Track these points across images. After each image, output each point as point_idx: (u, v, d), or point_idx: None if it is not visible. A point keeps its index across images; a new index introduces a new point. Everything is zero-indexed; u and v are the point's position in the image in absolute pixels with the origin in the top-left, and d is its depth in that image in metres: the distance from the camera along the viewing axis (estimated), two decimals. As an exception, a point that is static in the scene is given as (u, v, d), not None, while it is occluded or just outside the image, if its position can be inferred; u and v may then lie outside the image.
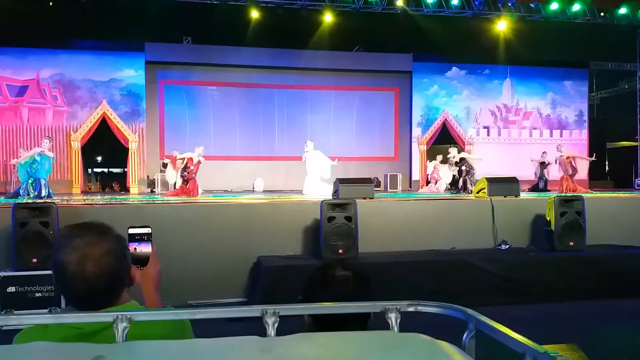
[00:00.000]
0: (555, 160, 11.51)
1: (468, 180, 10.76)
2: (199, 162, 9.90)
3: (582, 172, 11.62)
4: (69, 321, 1.19)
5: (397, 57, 14.38)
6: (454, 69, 14.79)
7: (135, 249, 1.49)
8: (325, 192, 9.74)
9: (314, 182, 10.45)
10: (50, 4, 11.36)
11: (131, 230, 1.51)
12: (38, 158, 8.85)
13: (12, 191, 9.27)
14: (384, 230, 6.42)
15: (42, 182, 8.87)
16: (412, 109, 14.62)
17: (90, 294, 1.24)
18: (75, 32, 12.07)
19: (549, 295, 5.73)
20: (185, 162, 10.01)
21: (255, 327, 0.91)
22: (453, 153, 11.32)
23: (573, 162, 11.31)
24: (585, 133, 15.57)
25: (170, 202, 7.50)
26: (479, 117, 14.99)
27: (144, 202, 7.71)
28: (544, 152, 12.14)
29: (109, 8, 11.76)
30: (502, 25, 13.49)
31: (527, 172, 12.35)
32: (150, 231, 1.52)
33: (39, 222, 5.11)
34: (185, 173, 9.92)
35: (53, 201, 5.60)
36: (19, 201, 6.58)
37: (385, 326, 0.91)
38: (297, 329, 0.86)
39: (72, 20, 11.57)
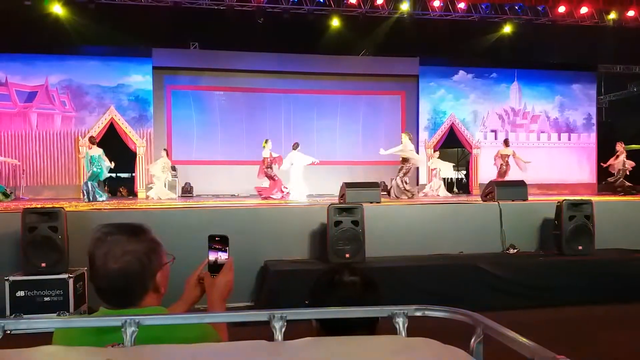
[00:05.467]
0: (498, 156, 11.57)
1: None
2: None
3: (524, 174, 11.15)
4: (77, 325, 1.20)
5: (404, 61, 14.37)
6: (461, 72, 14.76)
7: (211, 257, 1.51)
8: (307, 190, 9.85)
9: (298, 184, 10.34)
10: (58, 9, 11.45)
11: (210, 238, 1.52)
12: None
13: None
14: (391, 234, 6.40)
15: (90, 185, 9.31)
16: (418, 113, 14.60)
17: (110, 290, 1.31)
18: (83, 38, 12.19)
19: (557, 300, 5.68)
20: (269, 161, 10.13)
21: (262, 331, 0.91)
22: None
23: (508, 160, 11.28)
24: (593, 136, 15.47)
25: (178, 206, 7.53)
26: (486, 121, 14.94)
27: (151, 206, 7.74)
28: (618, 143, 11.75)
29: (116, 14, 11.87)
30: (508, 29, 13.47)
31: (535, 176, 12.27)
32: (226, 241, 1.52)
33: (48, 227, 5.13)
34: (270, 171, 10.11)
35: (61, 206, 5.63)
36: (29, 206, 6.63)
37: (393, 331, 0.91)
38: (304, 334, 0.86)
39: (80, 26, 11.69)
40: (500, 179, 10.74)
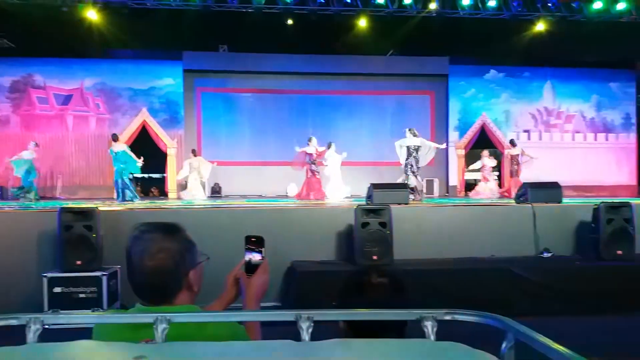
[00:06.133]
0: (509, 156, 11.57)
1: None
2: None
3: (530, 172, 11.05)
4: (111, 321, 1.23)
5: (433, 61, 14.21)
6: (492, 71, 14.50)
7: (246, 257, 1.53)
8: (346, 191, 9.88)
9: (338, 184, 10.47)
10: (92, 15, 11.78)
11: (246, 239, 1.54)
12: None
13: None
14: (420, 236, 6.33)
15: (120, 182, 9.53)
16: (448, 112, 14.41)
17: (144, 287, 1.35)
18: (117, 42, 12.51)
19: (594, 307, 5.47)
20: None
21: (289, 331, 0.91)
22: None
23: (519, 159, 11.24)
24: (633, 137, 14.94)
25: (206, 207, 7.64)
26: (518, 121, 14.63)
27: (181, 206, 7.88)
28: None
29: (148, 18, 12.11)
30: (541, 26, 13.13)
31: (569, 177, 11.95)
32: (261, 242, 1.54)
33: (83, 226, 5.28)
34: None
35: (96, 205, 5.79)
36: (65, 205, 6.84)
37: (421, 335, 0.90)
38: (331, 335, 0.86)
39: (113, 31, 11.99)
40: (514, 179, 10.96)
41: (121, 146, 10.16)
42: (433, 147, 10.17)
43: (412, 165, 9.80)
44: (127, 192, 9.81)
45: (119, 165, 9.95)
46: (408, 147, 9.91)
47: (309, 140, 10.50)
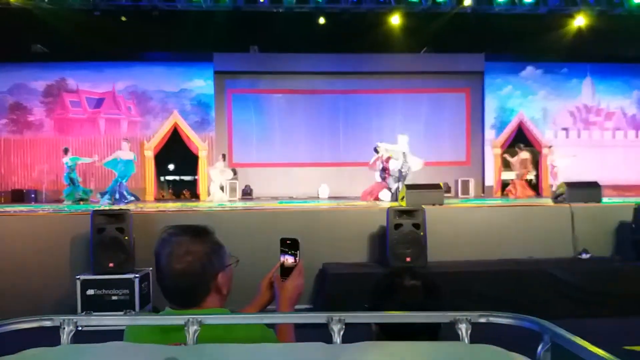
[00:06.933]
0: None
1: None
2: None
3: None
4: (143, 323, 1.25)
5: (468, 58, 13.96)
6: (529, 68, 14.15)
7: (281, 260, 1.53)
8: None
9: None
10: (123, 18, 12.06)
11: (281, 242, 1.54)
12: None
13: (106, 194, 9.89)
14: (455, 238, 6.21)
15: (123, 185, 9.60)
16: (484, 110, 14.14)
17: (173, 290, 1.34)
18: (148, 45, 12.70)
19: (633, 309, 5.28)
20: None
21: (320, 334, 0.90)
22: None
23: (528, 165, 11.25)
24: (676, 134, 14.33)
25: (238, 208, 7.72)
26: (557, 119, 14.23)
27: (213, 208, 7.99)
28: None
29: (178, 20, 12.29)
30: (580, 21, 12.71)
31: (609, 176, 11.54)
32: (296, 244, 1.52)
33: (115, 228, 5.28)
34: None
35: (128, 208, 5.89)
36: (97, 207, 7.00)
37: (455, 338, 0.88)
38: (363, 338, 0.85)
39: (144, 33, 12.18)
40: (520, 182, 11.27)
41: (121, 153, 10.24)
42: (409, 161, 9.83)
43: (400, 172, 9.56)
44: (108, 196, 9.77)
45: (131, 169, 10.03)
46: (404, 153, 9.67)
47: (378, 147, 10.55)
